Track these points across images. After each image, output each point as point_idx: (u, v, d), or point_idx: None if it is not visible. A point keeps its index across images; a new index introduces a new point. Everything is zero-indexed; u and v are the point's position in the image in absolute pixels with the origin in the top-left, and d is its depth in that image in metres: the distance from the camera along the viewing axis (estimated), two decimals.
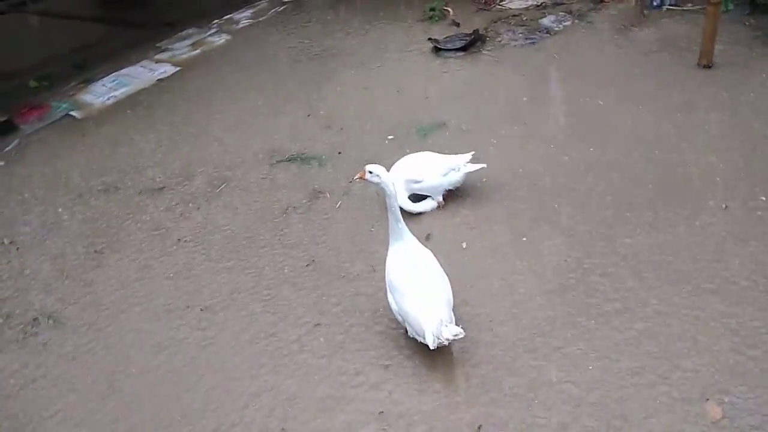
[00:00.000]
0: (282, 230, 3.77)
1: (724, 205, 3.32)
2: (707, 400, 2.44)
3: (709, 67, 4.56)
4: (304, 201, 3.98)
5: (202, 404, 2.81)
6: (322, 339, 3.02)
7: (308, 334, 3.05)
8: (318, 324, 3.09)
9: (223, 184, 4.29)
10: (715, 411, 2.39)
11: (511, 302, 3.01)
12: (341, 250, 3.54)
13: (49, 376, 3.08)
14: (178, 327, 3.23)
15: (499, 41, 5.61)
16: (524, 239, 3.38)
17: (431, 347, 2.60)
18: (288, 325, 3.12)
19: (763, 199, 3.31)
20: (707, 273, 3.00)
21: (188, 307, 3.34)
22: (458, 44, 5.56)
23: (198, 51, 6.56)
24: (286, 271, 3.46)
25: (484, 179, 3.83)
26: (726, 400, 2.43)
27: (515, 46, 5.50)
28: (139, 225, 4.04)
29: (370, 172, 2.78)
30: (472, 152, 3.73)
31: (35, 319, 3.43)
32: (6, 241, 4.07)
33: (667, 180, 3.60)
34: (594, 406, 2.52)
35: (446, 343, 2.61)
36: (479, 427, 2.50)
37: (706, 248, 3.12)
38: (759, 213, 3.28)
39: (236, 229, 3.85)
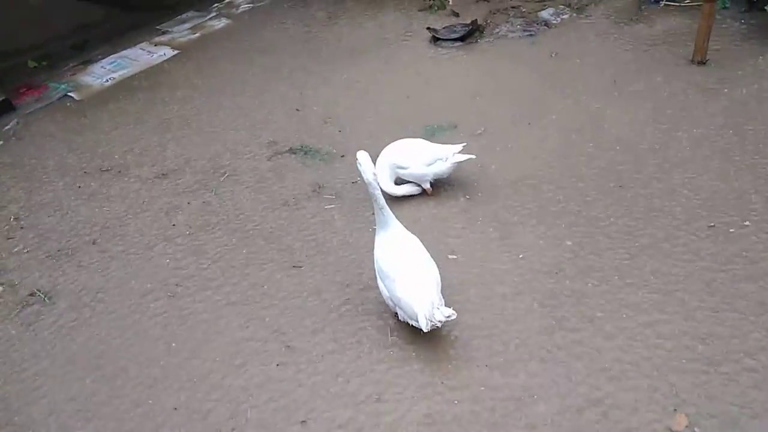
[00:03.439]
0: (278, 226, 3.73)
1: (712, 223, 3.28)
2: (674, 410, 2.46)
3: (704, 64, 4.62)
4: (304, 197, 3.95)
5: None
6: (308, 323, 3.07)
7: (294, 330, 3.05)
8: (305, 317, 3.11)
9: (224, 174, 4.29)
10: (680, 420, 2.41)
11: (500, 302, 3.04)
12: (334, 248, 3.50)
13: (35, 346, 3.19)
14: (161, 314, 3.26)
15: (497, 32, 5.65)
16: (512, 240, 3.37)
17: (425, 330, 2.65)
18: (268, 317, 3.14)
19: (747, 224, 3.27)
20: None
21: (173, 294, 3.37)
22: (456, 34, 5.60)
23: (197, 35, 6.57)
24: (276, 268, 3.42)
25: (476, 180, 3.82)
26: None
27: (513, 38, 5.54)
28: (137, 210, 4.06)
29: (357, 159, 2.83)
30: (463, 144, 3.75)
31: (32, 294, 3.51)
32: (11, 218, 4.15)
33: (651, 189, 3.58)
34: (570, 404, 2.58)
35: (439, 325, 2.67)
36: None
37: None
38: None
39: (234, 222, 3.82)
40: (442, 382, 2.68)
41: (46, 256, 3.77)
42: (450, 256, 3.29)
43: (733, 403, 2.46)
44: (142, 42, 6.50)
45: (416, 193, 3.78)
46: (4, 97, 5.52)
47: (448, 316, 2.64)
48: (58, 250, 3.80)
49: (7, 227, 4.08)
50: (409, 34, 5.87)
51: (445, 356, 2.78)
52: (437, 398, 2.63)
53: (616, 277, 3.06)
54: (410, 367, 2.77)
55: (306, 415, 2.65)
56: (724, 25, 5.01)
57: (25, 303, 3.45)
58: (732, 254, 3.08)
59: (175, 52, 6.24)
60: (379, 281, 2.93)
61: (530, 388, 2.62)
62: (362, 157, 2.80)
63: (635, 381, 2.59)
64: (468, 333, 2.87)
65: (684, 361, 2.64)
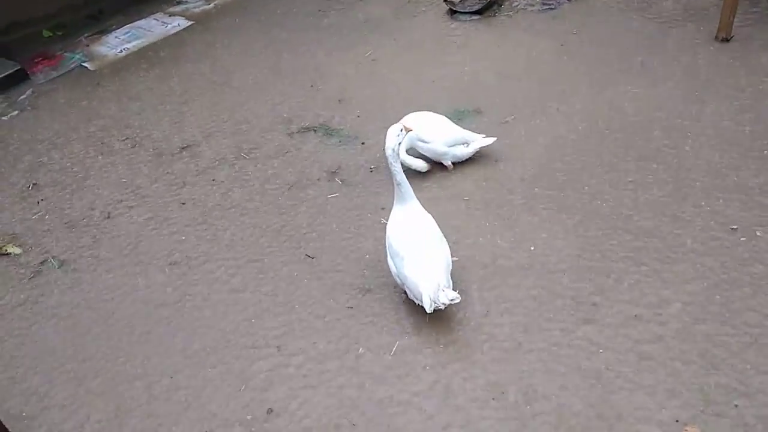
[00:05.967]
0: (291, 211, 3.67)
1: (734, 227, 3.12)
2: (676, 421, 2.37)
3: (728, 41, 4.47)
4: (319, 182, 3.87)
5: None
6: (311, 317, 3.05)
7: (299, 305, 3.07)
8: (311, 304, 3.08)
9: (239, 150, 4.25)
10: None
11: (509, 294, 2.99)
12: (346, 239, 3.43)
13: (45, 313, 3.28)
14: (166, 296, 3.27)
15: (516, 6, 5.51)
16: (522, 230, 3.32)
17: (428, 311, 2.65)
18: (272, 304, 3.12)
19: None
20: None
21: (174, 268, 3.41)
22: (474, 7, 5.48)
23: (212, 5, 6.51)
24: (286, 257, 3.37)
25: (497, 167, 3.72)
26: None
27: (532, 11, 5.40)
28: (152, 184, 4.07)
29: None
30: (484, 135, 3.69)
31: (44, 262, 3.58)
32: (30, 186, 4.21)
33: (677, 174, 3.46)
34: (578, 400, 2.55)
35: (443, 307, 2.66)
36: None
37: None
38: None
39: (248, 203, 3.79)
40: (452, 379, 2.64)
41: (63, 225, 3.83)
42: (456, 249, 3.17)
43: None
44: (157, 12, 6.46)
45: (423, 170, 3.72)
46: (18, 67, 5.53)
47: (452, 299, 2.62)
48: (73, 220, 3.85)
49: (26, 195, 4.14)
50: (426, 6, 5.76)
51: (453, 350, 2.74)
52: (444, 396, 2.59)
53: (633, 274, 2.95)
54: (416, 369, 2.70)
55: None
56: (753, 1, 4.84)
57: (38, 270, 3.51)
58: (756, 259, 2.95)
59: (190, 22, 6.19)
60: (389, 258, 2.91)
61: (536, 389, 2.55)
62: (391, 130, 2.75)
63: (651, 379, 2.52)
64: (476, 326, 2.81)
65: (705, 366, 2.55)
